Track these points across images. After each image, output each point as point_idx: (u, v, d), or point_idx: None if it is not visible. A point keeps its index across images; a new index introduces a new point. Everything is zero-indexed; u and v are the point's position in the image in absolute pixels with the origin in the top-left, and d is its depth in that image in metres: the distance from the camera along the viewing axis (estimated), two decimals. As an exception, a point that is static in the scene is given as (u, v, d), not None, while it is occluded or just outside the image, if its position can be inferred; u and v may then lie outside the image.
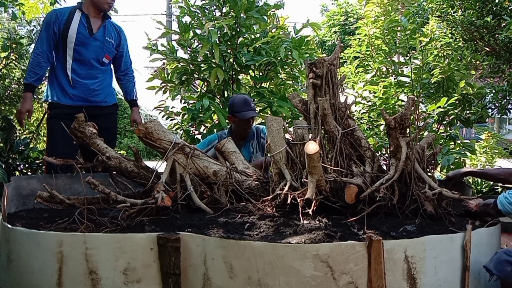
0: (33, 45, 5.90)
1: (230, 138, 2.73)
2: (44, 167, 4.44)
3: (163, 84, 4.33)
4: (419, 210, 2.06)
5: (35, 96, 5.37)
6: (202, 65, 4.10)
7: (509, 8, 4.49)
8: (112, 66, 3.36)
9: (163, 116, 4.41)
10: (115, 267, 1.71)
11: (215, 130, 4.11)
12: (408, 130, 2.16)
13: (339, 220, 1.98)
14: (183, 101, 4.39)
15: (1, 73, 5.12)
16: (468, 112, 4.16)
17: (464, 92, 4.09)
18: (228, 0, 3.94)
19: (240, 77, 4.27)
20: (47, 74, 3.32)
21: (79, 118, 2.32)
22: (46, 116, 5.54)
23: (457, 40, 4.76)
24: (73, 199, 2.18)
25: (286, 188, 2.12)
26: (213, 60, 3.95)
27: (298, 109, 2.43)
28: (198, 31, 4.07)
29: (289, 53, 3.82)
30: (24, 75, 5.23)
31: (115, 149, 2.94)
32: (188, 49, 4.15)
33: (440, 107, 3.82)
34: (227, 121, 3.82)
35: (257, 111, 3.31)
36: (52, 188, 2.13)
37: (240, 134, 3.23)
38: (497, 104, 4.53)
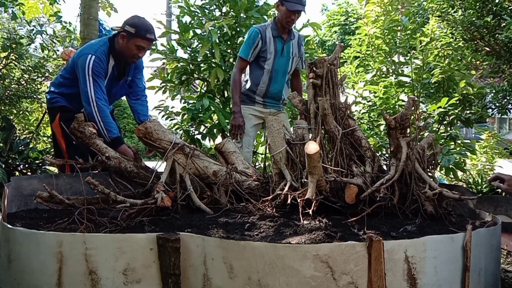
0: (32, 45, 5.91)
1: (229, 138, 2.72)
2: (44, 167, 4.45)
3: (163, 84, 4.33)
4: (420, 210, 2.06)
5: (34, 96, 5.37)
6: (202, 65, 4.09)
7: (509, 8, 4.48)
8: None
9: (163, 116, 4.41)
10: (114, 268, 1.71)
11: (215, 130, 4.10)
12: (408, 130, 2.16)
13: (339, 220, 1.97)
14: (183, 101, 4.38)
15: (1, 73, 5.12)
16: (468, 112, 4.16)
17: (465, 92, 4.09)
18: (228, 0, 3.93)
19: (240, 77, 4.27)
20: (56, 78, 3.31)
21: (79, 118, 2.33)
22: (45, 115, 5.55)
23: (457, 40, 4.76)
24: (73, 199, 2.17)
25: (286, 188, 2.12)
26: (213, 60, 3.94)
27: (298, 109, 2.43)
28: (198, 31, 4.07)
29: (289, 53, 3.81)
30: (26, 80, 5.18)
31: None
32: (188, 49, 4.15)
33: (440, 107, 3.81)
34: (227, 121, 3.81)
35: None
36: (52, 188, 2.12)
37: (282, 26, 3.28)
38: (497, 104, 4.51)
